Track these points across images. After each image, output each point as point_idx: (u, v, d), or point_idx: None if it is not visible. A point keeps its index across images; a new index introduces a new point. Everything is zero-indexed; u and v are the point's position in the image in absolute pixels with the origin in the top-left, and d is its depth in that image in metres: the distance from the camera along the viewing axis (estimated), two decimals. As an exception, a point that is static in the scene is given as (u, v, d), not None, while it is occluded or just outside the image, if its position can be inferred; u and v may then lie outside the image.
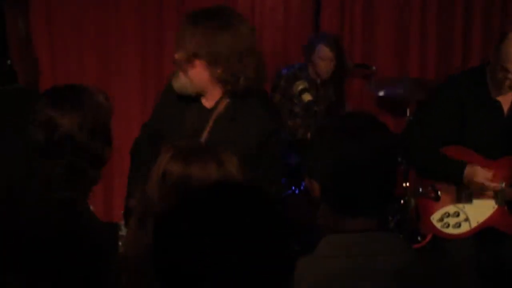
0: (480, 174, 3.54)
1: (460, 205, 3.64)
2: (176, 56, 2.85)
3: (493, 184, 3.55)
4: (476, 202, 3.61)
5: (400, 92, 5.15)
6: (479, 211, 3.62)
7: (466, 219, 3.65)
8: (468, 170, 3.54)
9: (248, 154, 2.70)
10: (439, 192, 3.66)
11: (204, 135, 2.93)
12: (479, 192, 3.58)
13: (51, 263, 2.03)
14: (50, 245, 2.04)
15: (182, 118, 3.02)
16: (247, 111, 2.89)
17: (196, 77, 2.87)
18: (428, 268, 1.79)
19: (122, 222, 3.30)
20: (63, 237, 2.05)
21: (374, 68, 5.47)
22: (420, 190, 3.73)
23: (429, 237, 4.37)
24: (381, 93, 5.27)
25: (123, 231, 3.41)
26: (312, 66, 5.01)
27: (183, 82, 2.89)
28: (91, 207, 2.26)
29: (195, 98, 2.97)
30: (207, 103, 2.98)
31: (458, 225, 3.66)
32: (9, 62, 5.08)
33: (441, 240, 3.71)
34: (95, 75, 5.26)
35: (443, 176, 3.63)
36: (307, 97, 3.01)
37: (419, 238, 5.17)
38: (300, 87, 3.01)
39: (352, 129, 1.78)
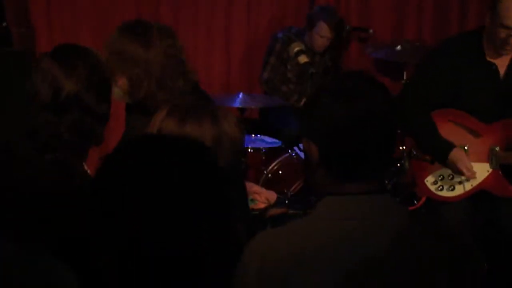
0: (463, 162, 3.53)
1: None
2: None
3: (470, 174, 3.55)
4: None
5: (397, 55, 5.14)
6: None
7: (460, 182, 3.65)
8: (453, 153, 3.53)
9: None
10: None
11: None
12: (455, 173, 3.58)
13: (42, 224, 2.03)
14: (40, 205, 2.04)
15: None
16: None
17: None
18: (425, 229, 1.78)
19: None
20: (55, 198, 2.05)
21: (371, 31, 5.45)
22: (415, 152, 3.73)
23: (423, 200, 4.39)
24: (378, 56, 5.26)
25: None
26: (309, 38, 4.99)
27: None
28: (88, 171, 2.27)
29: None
30: None
31: (452, 188, 3.67)
32: (4, 24, 5.05)
33: (435, 203, 3.72)
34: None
35: (429, 151, 3.64)
36: (303, 59, 2.98)
37: (415, 202, 5.19)
38: (297, 48, 2.98)
39: (350, 90, 1.75)
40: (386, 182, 4.72)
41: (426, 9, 5.48)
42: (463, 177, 3.61)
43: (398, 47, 5.14)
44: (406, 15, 5.49)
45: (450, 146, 3.53)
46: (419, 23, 5.50)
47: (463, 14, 5.47)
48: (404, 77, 5.14)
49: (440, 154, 3.57)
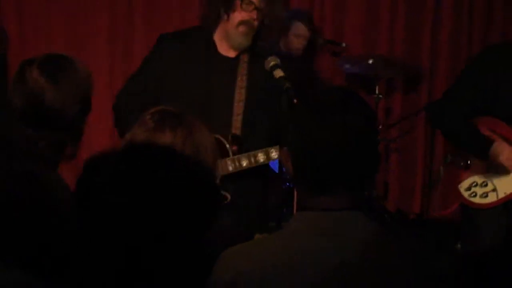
0: (506, 154, 3.47)
1: (489, 175, 3.56)
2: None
3: None
4: (505, 173, 3.52)
5: (369, 68, 5.15)
6: (507, 182, 3.53)
7: (494, 190, 3.57)
8: (494, 147, 3.46)
9: None
10: (469, 161, 3.59)
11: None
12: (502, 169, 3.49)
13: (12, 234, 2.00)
14: (9, 216, 2.02)
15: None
16: None
17: None
18: (397, 248, 1.78)
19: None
20: (26, 210, 2.03)
21: (344, 44, 5.47)
22: (449, 157, 3.69)
23: (455, 206, 4.25)
24: (351, 70, 5.27)
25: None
26: (284, 42, 5.00)
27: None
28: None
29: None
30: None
31: (485, 195, 3.59)
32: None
33: (467, 209, 3.62)
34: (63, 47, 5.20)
35: (469, 148, 3.57)
36: (279, 73, 2.96)
37: (385, 216, 5.20)
38: (272, 63, 2.96)
39: (323, 107, 1.75)
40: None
41: (398, 23, 5.50)
42: (497, 184, 3.54)
43: (370, 61, 5.15)
44: (378, 29, 5.51)
45: (491, 139, 3.47)
46: (391, 36, 5.52)
47: (435, 29, 5.51)
48: (376, 91, 5.16)
49: (481, 147, 3.50)
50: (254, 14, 3.18)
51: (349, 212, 1.74)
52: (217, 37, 3.28)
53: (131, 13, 5.31)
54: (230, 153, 3.12)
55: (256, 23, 3.19)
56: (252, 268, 1.66)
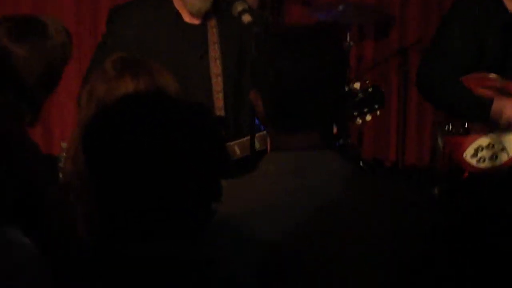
0: (509, 109, 3.20)
1: (494, 135, 3.28)
2: None
3: None
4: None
5: (339, 16, 5.10)
6: None
7: (503, 149, 3.30)
8: (495, 106, 3.21)
9: None
10: (466, 124, 3.31)
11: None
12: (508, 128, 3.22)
13: None
14: None
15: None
16: None
17: None
18: (372, 186, 1.75)
19: (63, 154, 3.24)
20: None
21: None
22: (448, 127, 3.39)
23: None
24: (321, 18, 5.21)
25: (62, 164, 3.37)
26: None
27: None
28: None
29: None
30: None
31: (495, 156, 3.31)
32: None
33: (478, 180, 3.33)
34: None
35: (467, 115, 3.29)
36: (247, 18, 2.86)
37: (361, 164, 5.19)
38: (239, 8, 2.83)
39: (291, 42, 1.72)
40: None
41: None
42: (505, 142, 3.27)
43: (341, 8, 5.09)
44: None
45: (489, 99, 3.22)
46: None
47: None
48: (348, 39, 5.11)
49: (481, 109, 3.23)
50: None
51: (323, 151, 1.71)
52: (176, 3, 2.94)
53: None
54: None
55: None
56: (235, 212, 1.64)
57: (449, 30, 3.34)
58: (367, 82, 2.67)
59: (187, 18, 2.95)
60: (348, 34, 5.12)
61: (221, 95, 2.91)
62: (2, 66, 2.05)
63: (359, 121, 2.66)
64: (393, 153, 5.60)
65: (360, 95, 2.61)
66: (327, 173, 1.70)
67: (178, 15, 2.95)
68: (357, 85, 2.64)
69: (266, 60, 1.73)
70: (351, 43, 5.13)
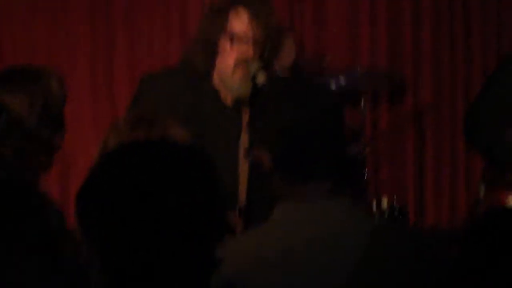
0: None
1: None
2: None
3: None
4: None
5: (353, 82, 5.12)
6: None
7: None
8: None
9: None
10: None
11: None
12: None
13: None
14: None
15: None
16: None
17: None
18: (387, 231, 1.78)
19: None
20: (9, 219, 1.99)
21: (328, 57, 5.39)
22: (489, 176, 3.25)
23: None
24: (334, 85, 5.23)
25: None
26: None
27: None
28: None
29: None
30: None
31: None
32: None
33: None
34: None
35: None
36: (261, 78, 2.79)
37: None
38: (256, 66, 2.75)
39: (292, 94, 1.78)
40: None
41: (379, 34, 5.49)
42: None
43: (353, 74, 5.12)
44: (359, 42, 5.49)
45: None
46: (373, 48, 5.50)
47: (416, 38, 5.49)
48: (362, 104, 5.12)
49: None
50: (250, 50, 2.68)
51: (335, 200, 1.73)
52: (216, 82, 2.79)
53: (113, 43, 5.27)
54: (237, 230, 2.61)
55: (255, 59, 2.67)
56: (250, 265, 1.64)
57: (501, 82, 3.20)
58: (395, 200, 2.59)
59: (225, 99, 2.82)
60: (362, 100, 5.13)
61: (244, 189, 2.67)
62: (2, 118, 2.10)
63: None
64: (411, 218, 5.56)
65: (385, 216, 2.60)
66: (339, 223, 1.71)
67: (216, 94, 2.82)
68: (384, 203, 2.62)
69: (270, 115, 1.77)
70: (366, 108, 5.15)
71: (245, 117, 2.67)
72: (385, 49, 5.49)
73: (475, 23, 5.52)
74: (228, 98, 2.80)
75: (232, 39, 2.70)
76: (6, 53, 5.14)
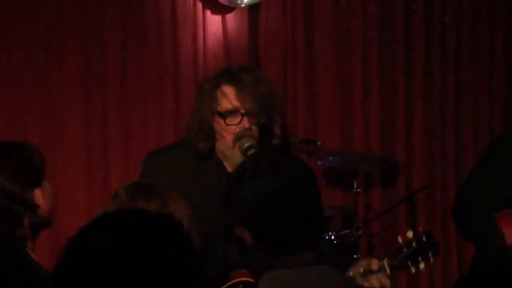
0: None
1: None
2: None
3: None
4: None
5: (346, 164, 5.16)
6: None
7: None
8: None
9: None
10: None
11: None
12: None
13: None
14: None
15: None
16: None
17: None
18: None
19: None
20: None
21: (319, 143, 5.46)
22: None
23: None
24: (327, 165, 5.27)
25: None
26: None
27: None
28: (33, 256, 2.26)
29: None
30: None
31: None
32: None
33: None
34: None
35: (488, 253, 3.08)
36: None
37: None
38: (246, 144, 2.80)
39: (267, 167, 1.77)
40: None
41: (372, 117, 5.55)
42: None
43: (347, 156, 5.17)
44: (353, 125, 5.55)
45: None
46: (366, 131, 5.55)
47: (408, 120, 5.56)
48: (355, 186, 5.15)
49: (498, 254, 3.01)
50: (245, 123, 2.76)
51: (317, 266, 1.74)
52: (219, 153, 2.88)
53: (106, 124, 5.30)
54: None
55: (254, 129, 2.77)
56: None
57: (495, 160, 3.19)
58: (420, 230, 2.65)
59: (228, 168, 2.87)
60: (355, 182, 5.17)
61: None
62: None
63: (413, 269, 2.64)
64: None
65: (414, 245, 2.60)
66: (321, 285, 1.72)
67: (221, 165, 2.90)
68: (410, 234, 2.63)
69: (247, 191, 1.76)
70: (358, 190, 5.17)
71: None
72: (377, 132, 5.55)
73: (467, 106, 5.60)
74: (231, 169, 2.82)
75: (223, 117, 2.79)
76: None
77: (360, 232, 5.10)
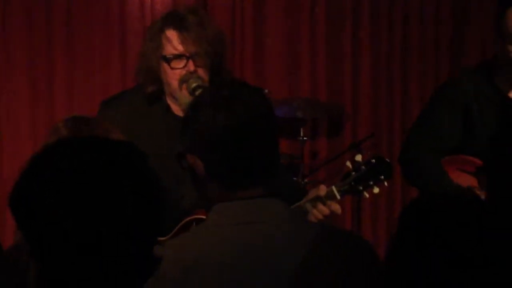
0: None
1: None
2: None
3: None
4: None
5: (292, 112, 5.16)
6: None
7: None
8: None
9: None
10: None
11: None
12: None
13: None
14: None
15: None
16: None
17: None
18: (319, 229, 1.80)
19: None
20: None
21: (266, 91, 5.46)
22: None
23: None
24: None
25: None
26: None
27: None
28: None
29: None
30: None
31: None
32: None
33: None
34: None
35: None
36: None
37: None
38: (193, 84, 2.82)
39: (224, 99, 1.76)
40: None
41: (319, 66, 5.55)
42: None
43: (294, 104, 5.17)
44: (300, 74, 5.54)
45: (464, 190, 3.17)
46: (313, 79, 5.55)
47: (355, 69, 5.57)
48: (301, 134, 5.16)
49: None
50: (190, 65, 2.80)
51: (266, 199, 1.75)
52: (168, 98, 2.94)
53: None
54: None
55: (199, 72, 2.81)
56: (194, 263, 1.66)
57: (437, 112, 3.30)
58: (369, 153, 2.57)
59: (177, 111, 2.94)
60: (301, 130, 5.18)
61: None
62: None
63: (367, 195, 2.58)
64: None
65: (363, 168, 2.52)
66: (272, 221, 1.73)
67: (169, 109, 2.95)
68: (358, 158, 2.57)
69: (202, 122, 1.76)
70: (305, 138, 5.18)
71: None
72: (324, 82, 5.55)
73: (413, 57, 5.63)
74: (180, 112, 2.90)
75: (168, 62, 2.83)
76: None
77: (306, 180, 5.12)
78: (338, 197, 2.53)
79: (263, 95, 1.83)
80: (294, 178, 5.00)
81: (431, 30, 5.61)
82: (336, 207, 2.53)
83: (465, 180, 3.24)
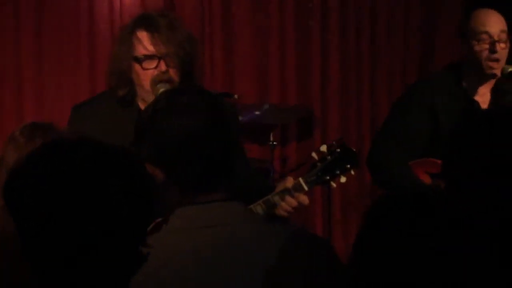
0: None
1: None
2: None
3: None
4: None
5: (262, 117, 5.16)
6: None
7: None
8: None
9: None
10: None
11: None
12: None
13: None
14: None
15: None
16: None
17: None
18: (279, 231, 1.82)
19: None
20: None
21: (236, 96, 5.45)
22: None
23: None
24: (244, 120, 5.26)
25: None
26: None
27: None
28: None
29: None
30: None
31: None
32: None
33: None
34: None
35: None
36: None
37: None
38: (161, 90, 2.83)
39: (182, 105, 1.79)
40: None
41: (288, 70, 5.56)
42: None
43: (263, 109, 5.17)
44: (269, 78, 5.55)
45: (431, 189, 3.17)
46: (282, 84, 5.56)
47: (324, 74, 5.58)
48: (271, 138, 5.16)
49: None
50: (162, 66, 2.78)
51: (225, 203, 1.78)
52: (140, 102, 2.89)
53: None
54: None
55: (171, 73, 2.78)
56: (156, 267, 1.66)
57: (404, 113, 3.34)
58: (334, 143, 2.56)
59: None
60: (271, 134, 5.18)
61: None
62: None
63: (334, 184, 2.58)
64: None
65: (328, 157, 2.52)
66: (232, 220, 1.76)
67: (141, 112, 2.91)
68: (324, 148, 2.57)
69: (157, 130, 1.78)
70: (275, 143, 5.19)
71: None
72: (293, 86, 5.56)
73: (382, 61, 5.66)
74: None
75: (140, 62, 2.81)
76: None
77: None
78: (306, 188, 2.54)
79: (222, 101, 1.86)
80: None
81: (400, 33, 5.64)
82: (304, 198, 2.54)
83: (433, 182, 3.24)
